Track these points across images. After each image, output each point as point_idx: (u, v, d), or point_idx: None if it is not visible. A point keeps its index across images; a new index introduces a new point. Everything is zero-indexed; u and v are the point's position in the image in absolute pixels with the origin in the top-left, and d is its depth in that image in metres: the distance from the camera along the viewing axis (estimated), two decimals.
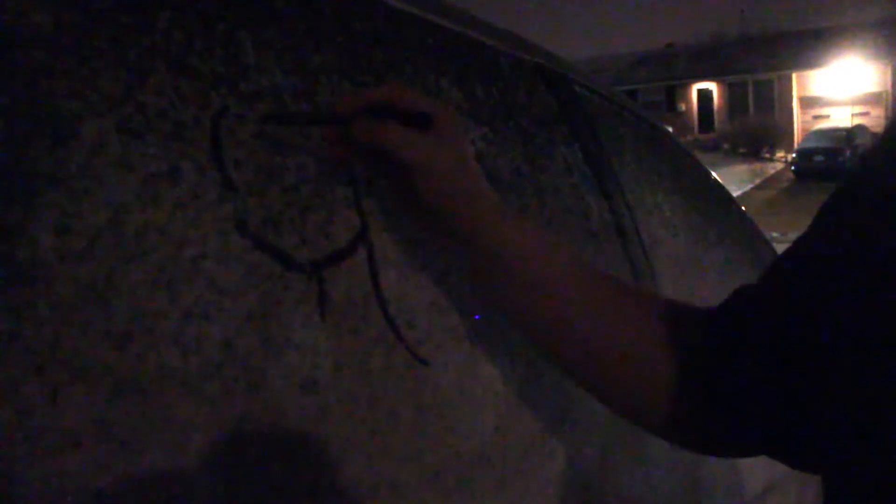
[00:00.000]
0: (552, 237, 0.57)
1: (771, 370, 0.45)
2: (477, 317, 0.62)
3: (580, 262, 0.55)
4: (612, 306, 0.53)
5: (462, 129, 0.53)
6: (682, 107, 29.11)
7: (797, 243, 0.47)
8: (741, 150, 24.03)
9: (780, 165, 21.44)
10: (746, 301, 0.50)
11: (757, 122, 24.79)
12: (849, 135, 18.90)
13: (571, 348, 0.54)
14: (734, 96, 27.71)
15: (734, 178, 16.80)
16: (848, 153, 17.70)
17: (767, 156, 23.40)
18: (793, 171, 18.76)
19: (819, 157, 17.83)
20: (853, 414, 0.38)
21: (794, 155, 19.40)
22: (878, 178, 0.42)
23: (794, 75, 25.80)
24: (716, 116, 28.12)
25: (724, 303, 0.52)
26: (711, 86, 28.46)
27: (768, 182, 18.41)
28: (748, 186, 17.05)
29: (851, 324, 0.39)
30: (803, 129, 24.41)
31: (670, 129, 1.55)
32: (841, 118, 24.10)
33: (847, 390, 0.39)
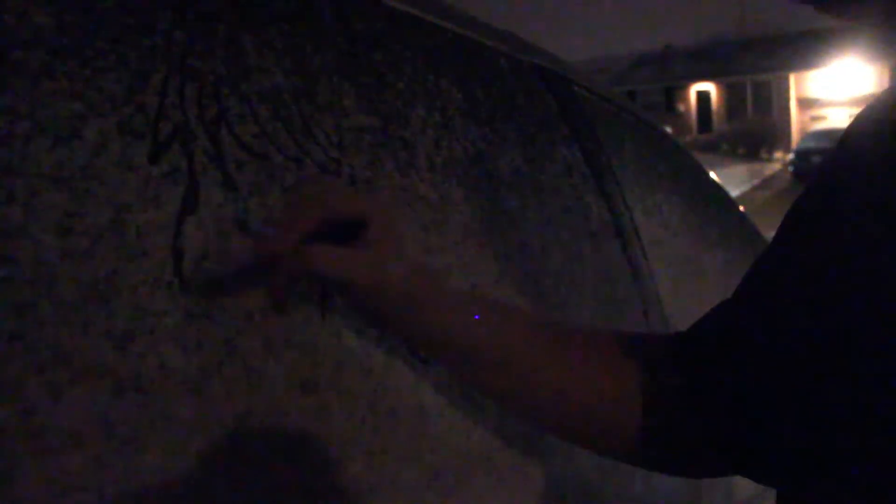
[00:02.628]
0: (504, 311, 0.54)
1: (737, 389, 0.46)
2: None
3: (532, 325, 0.53)
4: (578, 359, 0.53)
5: (397, 222, 0.48)
6: (681, 107, 29.13)
7: (760, 261, 0.48)
8: (740, 151, 24.06)
9: (778, 166, 21.46)
10: (714, 322, 0.52)
11: (755, 123, 24.83)
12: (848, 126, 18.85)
13: (546, 408, 0.54)
14: (732, 97, 27.73)
15: (733, 179, 16.81)
16: None
17: (766, 156, 23.42)
18: (791, 171, 18.77)
19: (817, 158, 17.82)
20: (813, 430, 0.38)
21: (792, 155, 19.41)
22: (838, 189, 0.42)
23: (792, 76, 25.82)
24: (714, 117, 28.15)
25: (695, 324, 0.53)
26: (710, 87, 28.49)
27: (766, 182, 18.42)
28: (746, 187, 17.06)
29: (811, 341, 0.39)
30: (801, 130, 24.44)
31: (669, 130, 1.56)
32: (839, 119, 24.11)
33: (805, 407, 0.39)
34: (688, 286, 1.13)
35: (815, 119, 25.34)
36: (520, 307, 0.60)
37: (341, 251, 0.44)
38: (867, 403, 0.35)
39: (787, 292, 0.43)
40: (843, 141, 0.45)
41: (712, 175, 1.60)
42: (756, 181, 18.29)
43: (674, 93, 29.38)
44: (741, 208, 1.67)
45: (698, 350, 0.51)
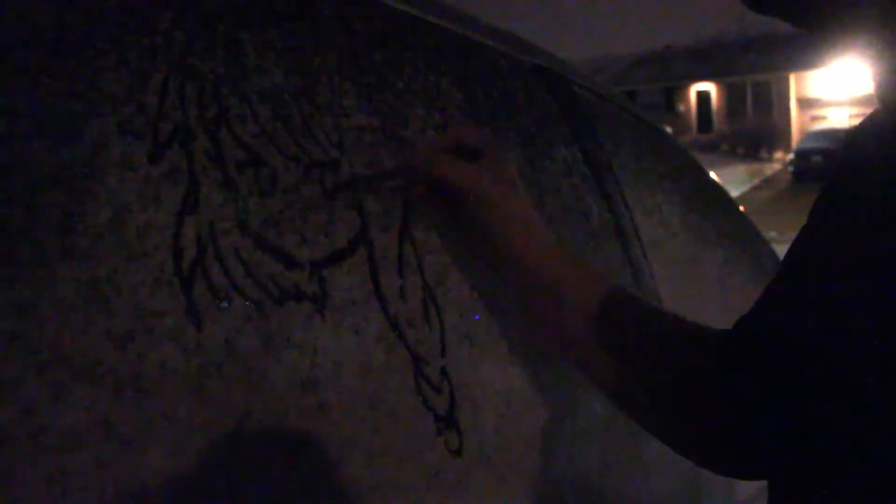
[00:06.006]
0: (590, 266, 0.63)
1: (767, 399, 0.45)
2: (476, 317, 0.62)
3: (621, 289, 0.59)
4: (655, 330, 0.56)
5: (508, 158, 0.61)
6: (681, 107, 29.13)
7: (790, 265, 0.47)
8: (739, 151, 24.06)
9: (778, 166, 21.46)
10: (747, 332, 0.51)
11: (755, 123, 24.82)
12: (849, 134, 18.87)
13: (613, 367, 0.57)
14: (732, 97, 27.73)
15: (733, 179, 16.80)
16: None
17: (766, 156, 23.42)
18: (791, 171, 18.78)
19: (817, 158, 17.84)
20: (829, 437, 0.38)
21: (792, 155, 19.42)
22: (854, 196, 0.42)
23: (792, 76, 25.82)
24: (714, 117, 28.14)
25: (730, 332, 0.53)
26: (710, 87, 28.48)
27: (766, 182, 18.43)
28: (746, 187, 17.07)
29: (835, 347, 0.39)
30: (801, 130, 24.43)
31: (669, 130, 1.56)
32: (839, 119, 24.10)
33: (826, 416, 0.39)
34: (688, 286, 1.13)
35: (815, 119, 25.34)
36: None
37: (464, 163, 0.57)
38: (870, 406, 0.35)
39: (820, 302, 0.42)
40: (850, 146, 0.45)
41: (712, 175, 1.60)
42: (756, 181, 18.30)
43: (674, 93, 29.38)
44: (741, 208, 1.67)
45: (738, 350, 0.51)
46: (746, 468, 0.53)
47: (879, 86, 0.43)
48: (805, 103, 26.02)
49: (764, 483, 0.46)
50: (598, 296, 0.57)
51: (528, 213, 0.59)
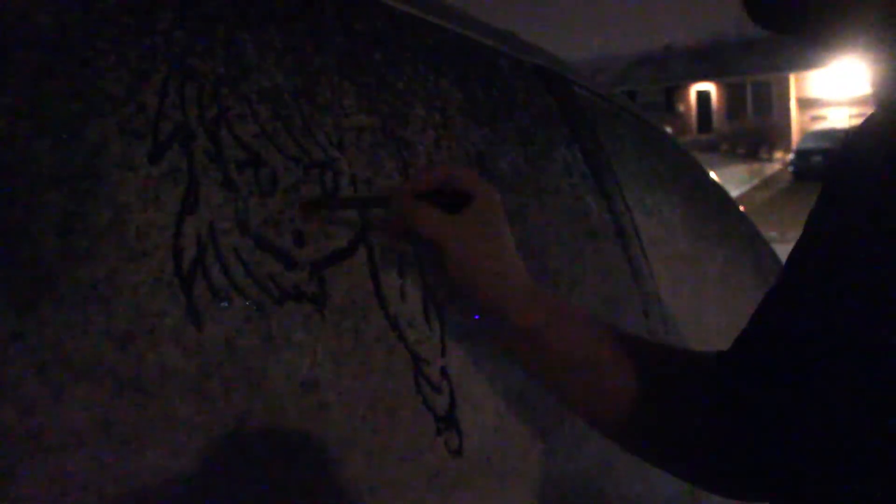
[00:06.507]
0: (575, 308, 0.59)
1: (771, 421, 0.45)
2: (476, 317, 0.62)
3: (604, 328, 0.56)
4: (640, 364, 0.54)
5: (500, 209, 0.54)
6: (681, 107, 29.12)
7: (786, 280, 0.46)
8: (739, 151, 24.05)
9: (778, 166, 21.45)
10: (745, 350, 0.50)
11: (755, 123, 24.82)
12: (846, 136, 18.90)
13: (603, 405, 0.55)
14: (732, 97, 27.72)
15: (732, 179, 16.79)
16: None
17: (766, 156, 23.42)
18: (791, 171, 18.78)
19: (817, 158, 17.85)
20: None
21: (792, 155, 19.41)
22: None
23: (792, 76, 25.82)
24: (714, 117, 28.14)
25: (727, 352, 0.52)
26: (710, 87, 28.48)
27: (766, 182, 18.42)
28: (746, 187, 17.06)
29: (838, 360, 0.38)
30: (801, 130, 24.42)
31: (669, 130, 1.56)
32: (839, 119, 24.11)
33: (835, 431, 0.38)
34: (688, 286, 1.13)
35: (815, 119, 25.33)
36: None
37: (444, 216, 0.52)
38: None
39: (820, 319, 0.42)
40: (847, 148, 0.44)
41: (712, 175, 1.60)
42: (756, 181, 18.29)
43: (674, 93, 29.37)
44: (741, 208, 1.67)
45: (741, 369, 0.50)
46: (759, 488, 0.52)
47: (877, 89, 0.43)
48: (805, 103, 26.01)
49: None
50: (594, 345, 0.55)
51: (507, 269, 0.54)
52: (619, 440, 0.57)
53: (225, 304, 0.44)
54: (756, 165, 21.22)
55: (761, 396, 0.46)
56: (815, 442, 0.39)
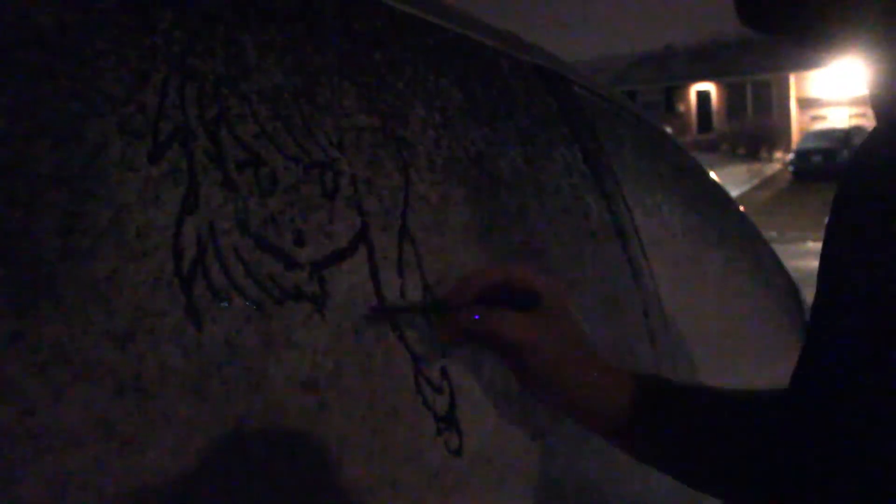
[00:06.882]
0: (651, 380, 0.59)
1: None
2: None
3: (678, 391, 0.58)
4: (714, 420, 0.55)
5: (568, 303, 0.56)
6: (681, 107, 29.12)
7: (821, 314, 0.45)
8: (739, 151, 24.04)
9: (778, 166, 21.44)
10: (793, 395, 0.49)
11: (755, 123, 24.80)
12: (846, 136, 18.94)
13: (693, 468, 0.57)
14: (732, 97, 27.72)
15: (733, 179, 16.79)
16: (845, 154, 17.73)
17: (766, 156, 23.41)
18: (791, 171, 18.78)
19: (817, 158, 17.86)
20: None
21: (792, 155, 19.40)
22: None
23: (792, 76, 25.81)
24: (714, 117, 28.13)
25: (779, 396, 0.51)
26: (710, 87, 28.47)
27: (767, 182, 18.42)
28: (746, 187, 17.06)
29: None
30: (801, 130, 24.42)
31: (669, 130, 1.56)
32: (839, 119, 24.10)
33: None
34: (688, 286, 1.13)
35: (815, 119, 25.32)
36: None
37: (524, 318, 0.53)
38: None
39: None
40: (855, 168, 0.44)
41: (712, 175, 1.60)
42: (756, 181, 18.29)
43: (674, 93, 29.36)
44: (741, 208, 1.67)
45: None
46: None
47: (874, 96, 0.43)
48: (805, 103, 26.01)
49: None
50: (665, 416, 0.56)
51: (583, 361, 0.55)
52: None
53: (225, 304, 0.44)
54: (756, 165, 21.22)
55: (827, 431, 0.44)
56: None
